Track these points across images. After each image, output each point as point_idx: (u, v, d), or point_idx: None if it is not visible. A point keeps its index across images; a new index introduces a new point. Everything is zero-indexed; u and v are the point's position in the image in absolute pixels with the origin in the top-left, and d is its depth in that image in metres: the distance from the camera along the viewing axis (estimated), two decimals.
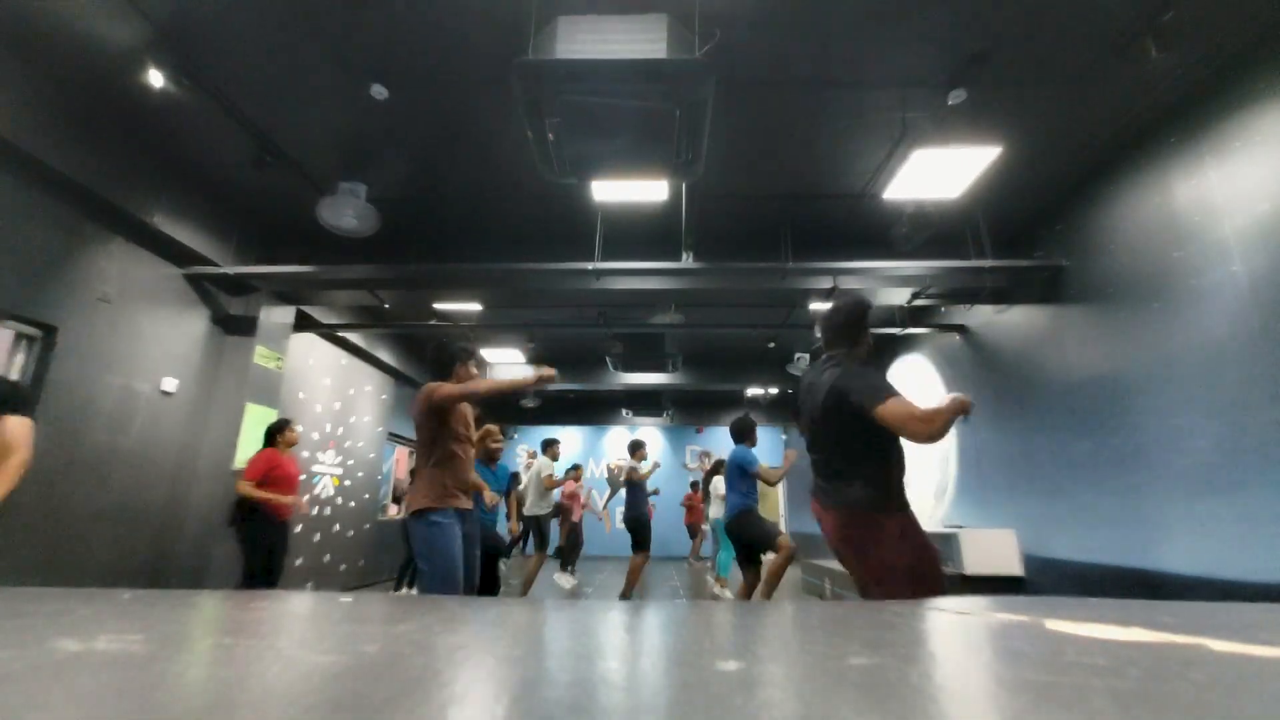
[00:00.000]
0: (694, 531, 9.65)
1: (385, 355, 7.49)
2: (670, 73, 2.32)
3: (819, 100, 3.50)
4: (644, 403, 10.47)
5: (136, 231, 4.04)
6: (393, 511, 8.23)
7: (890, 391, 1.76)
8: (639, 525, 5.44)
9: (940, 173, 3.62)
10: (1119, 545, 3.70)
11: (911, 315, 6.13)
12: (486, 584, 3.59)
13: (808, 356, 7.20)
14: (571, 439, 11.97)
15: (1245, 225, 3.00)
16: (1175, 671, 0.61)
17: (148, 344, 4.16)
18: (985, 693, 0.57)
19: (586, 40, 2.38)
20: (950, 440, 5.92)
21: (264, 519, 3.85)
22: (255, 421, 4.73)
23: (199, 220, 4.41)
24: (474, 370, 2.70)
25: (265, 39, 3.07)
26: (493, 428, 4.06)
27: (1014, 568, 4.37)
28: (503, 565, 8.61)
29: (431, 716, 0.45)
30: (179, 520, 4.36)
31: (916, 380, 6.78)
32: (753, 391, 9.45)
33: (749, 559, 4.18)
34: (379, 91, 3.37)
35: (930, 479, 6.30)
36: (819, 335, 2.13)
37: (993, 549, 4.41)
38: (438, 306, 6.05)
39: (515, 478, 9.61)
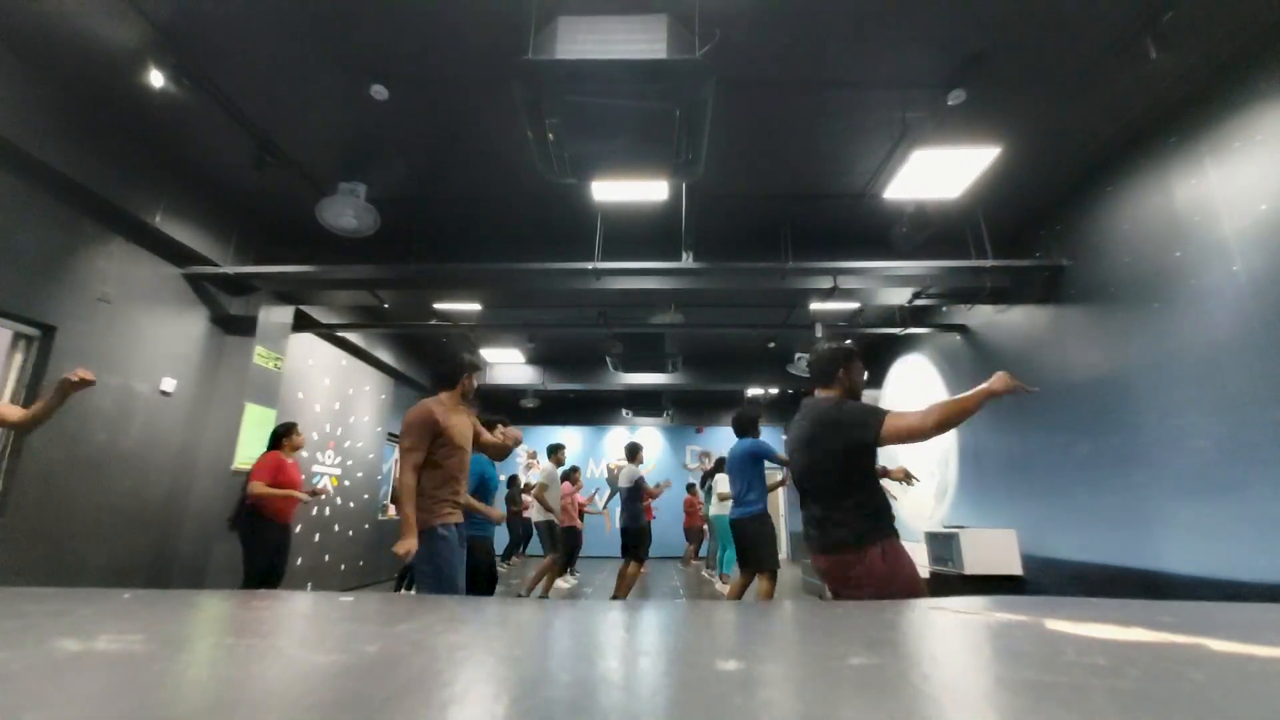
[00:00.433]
0: (691, 536, 9.47)
1: (385, 355, 7.49)
2: (670, 73, 2.32)
3: (819, 100, 3.50)
4: (644, 403, 10.46)
5: (136, 231, 4.04)
6: (392, 512, 8.22)
7: (881, 415, 1.90)
8: (639, 538, 5.37)
9: (940, 173, 3.62)
10: (1119, 545, 3.70)
11: (912, 315, 6.14)
12: (485, 590, 3.61)
13: (808, 356, 7.16)
14: (571, 439, 11.96)
15: (1245, 225, 3.00)
16: (1175, 671, 0.61)
17: (147, 344, 4.15)
18: (985, 692, 0.57)
19: (586, 40, 2.38)
20: (950, 440, 5.92)
21: (268, 521, 3.83)
22: (254, 422, 4.73)
23: (199, 220, 4.41)
24: (475, 383, 2.72)
25: (265, 39, 3.07)
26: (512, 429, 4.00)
27: (1014, 568, 4.37)
28: (502, 566, 8.62)
29: (431, 716, 0.45)
30: (179, 520, 4.36)
31: (916, 380, 6.78)
32: (753, 391, 9.45)
33: (746, 562, 4.16)
34: (379, 92, 3.37)
35: (931, 480, 6.30)
36: (809, 376, 2.29)
37: (993, 549, 4.41)
38: (438, 306, 6.05)
39: (514, 480, 9.62)
